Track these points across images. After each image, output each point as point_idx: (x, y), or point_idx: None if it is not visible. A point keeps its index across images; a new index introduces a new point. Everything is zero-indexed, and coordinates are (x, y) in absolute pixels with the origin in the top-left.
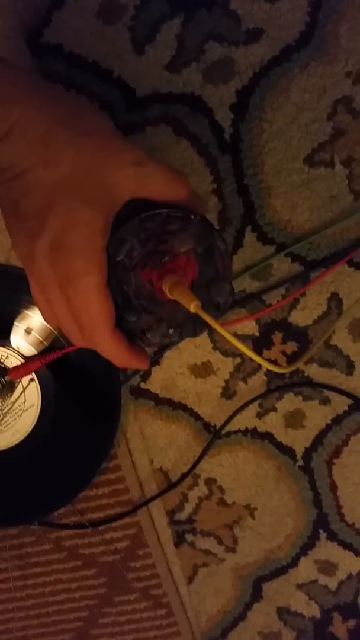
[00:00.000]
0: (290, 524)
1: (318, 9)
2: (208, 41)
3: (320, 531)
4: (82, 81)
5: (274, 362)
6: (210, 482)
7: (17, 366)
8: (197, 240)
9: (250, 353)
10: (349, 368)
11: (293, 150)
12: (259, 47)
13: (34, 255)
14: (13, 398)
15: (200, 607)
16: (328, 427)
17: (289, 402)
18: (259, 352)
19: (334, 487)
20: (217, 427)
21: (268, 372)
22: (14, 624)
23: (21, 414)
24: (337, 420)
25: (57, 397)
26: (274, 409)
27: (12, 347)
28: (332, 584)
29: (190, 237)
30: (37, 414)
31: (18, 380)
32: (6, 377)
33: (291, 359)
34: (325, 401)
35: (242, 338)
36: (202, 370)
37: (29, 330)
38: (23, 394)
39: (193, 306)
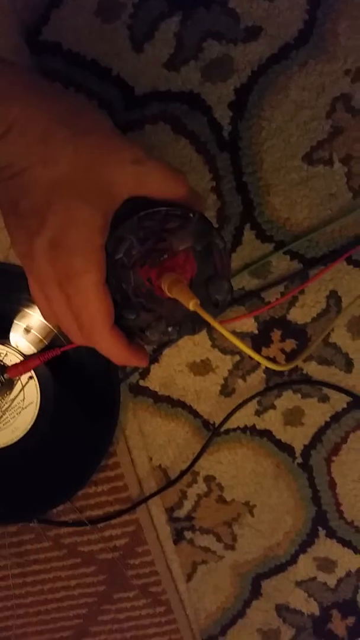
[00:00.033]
0: (289, 521)
1: (317, 7)
2: (207, 39)
3: (319, 528)
4: (81, 79)
5: (273, 360)
6: (209, 479)
7: (16, 364)
8: (196, 238)
9: (249, 351)
10: (348, 365)
11: (292, 148)
12: (257, 45)
13: (33, 253)
14: (12, 396)
15: (199, 604)
16: (327, 425)
17: (287, 399)
18: (257, 350)
19: (332, 485)
20: (216, 425)
21: (267, 370)
22: (13, 622)
23: (20, 412)
24: (335, 417)
25: (56, 395)
26: (273, 407)
27: (11, 345)
28: (331, 581)
29: (189, 235)
30: (36, 412)
31: (17, 378)
32: (5, 375)
33: (290, 356)
34: (324, 399)
35: (241, 336)
36: (201, 367)
37: (28, 328)
38: (22, 392)
39: (192, 304)
